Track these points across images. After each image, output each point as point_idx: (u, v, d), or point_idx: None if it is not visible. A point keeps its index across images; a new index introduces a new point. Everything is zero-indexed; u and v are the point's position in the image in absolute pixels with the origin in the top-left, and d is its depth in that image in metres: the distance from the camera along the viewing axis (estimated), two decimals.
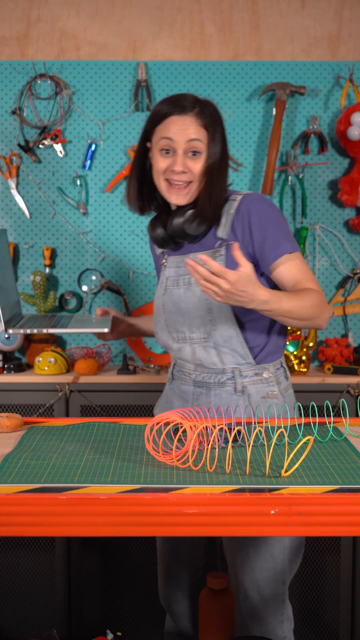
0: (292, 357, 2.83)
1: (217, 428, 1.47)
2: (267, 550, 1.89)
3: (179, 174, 1.87)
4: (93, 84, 2.99)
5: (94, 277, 3.04)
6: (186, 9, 2.99)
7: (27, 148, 2.96)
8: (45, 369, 2.75)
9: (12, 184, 2.98)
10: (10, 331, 1.88)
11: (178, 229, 1.92)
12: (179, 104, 1.87)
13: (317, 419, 1.76)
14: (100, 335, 2.19)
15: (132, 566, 2.72)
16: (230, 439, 1.47)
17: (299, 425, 1.74)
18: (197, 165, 1.87)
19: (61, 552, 2.68)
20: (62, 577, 2.69)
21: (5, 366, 2.80)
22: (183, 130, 1.85)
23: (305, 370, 2.85)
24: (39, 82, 2.97)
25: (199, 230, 1.92)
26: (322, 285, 3.05)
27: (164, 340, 2.03)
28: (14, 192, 2.99)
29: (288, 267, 1.86)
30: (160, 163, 1.89)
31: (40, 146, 2.97)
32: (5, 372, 2.79)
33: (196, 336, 1.95)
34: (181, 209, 1.92)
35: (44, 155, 3.00)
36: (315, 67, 2.99)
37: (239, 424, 1.73)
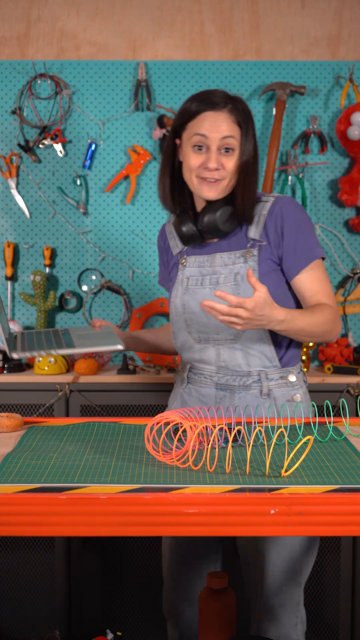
0: None
1: (217, 428, 1.47)
2: (287, 554, 1.89)
3: (212, 171, 1.85)
4: (93, 84, 2.99)
5: (94, 277, 3.03)
6: (186, 9, 2.99)
7: (27, 148, 2.96)
8: (45, 368, 2.75)
9: (12, 183, 2.98)
10: (16, 355, 1.76)
11: (211, 225, 1.89)
12: (211, 100, 1.85)
13: (317, 419, 1.76)
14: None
15: (132, 566, 2.72)
16: (230, 439, 1.47)
17: (299, 425, 1.74)
18: (230, 162, 1.86)
19: (61, 552, 2.68)
20: (62, 577, 2.69)
21: (5, 366, 2.80)
22: (217, 127, 1.84)
23: (305, 370, 2.85)
24: (39, 82, 2.97)
25: (231, 227, 1.91)
26: None
27: (182, 341, 1.99)
28: (14, 191, 2.99)
29: (309, 277, 1.88)
30: (192, 160, 1.87)
31: (40, 146, 2.97)
32: (5, 372, 2.79)
33: (222, 337, 1.92)
34: (213, 205, 1.90)
35: (44, 155, 3.00)
36: (315, 67, 2.99)
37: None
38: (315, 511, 1.28)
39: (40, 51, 2.99)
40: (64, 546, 2.68)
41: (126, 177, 3.00)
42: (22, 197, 3.00)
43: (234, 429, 1.57)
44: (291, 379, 1.94)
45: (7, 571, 2.73)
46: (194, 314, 1.94)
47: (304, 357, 2.85)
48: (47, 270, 3.01)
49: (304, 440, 1.43)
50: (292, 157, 2.99)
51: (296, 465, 1.40)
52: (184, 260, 1.99)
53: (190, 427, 1.44)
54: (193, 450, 1.47)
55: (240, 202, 1.89)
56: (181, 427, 1.53)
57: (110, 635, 2.48)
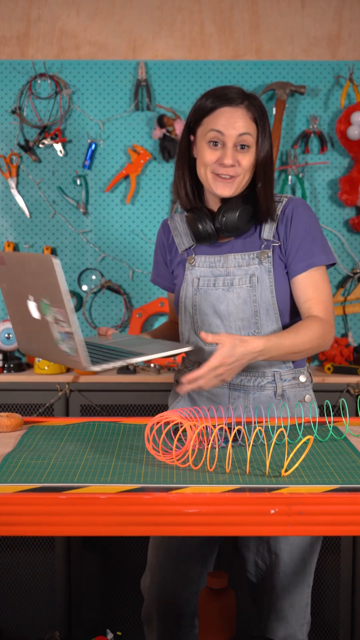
0: None
1: (217, 428, 1.47)
2: (299, 554, 1.89)
3: (227, 168, 1.83)
4: (93, 84, 2.99)
5: (94, 277, 3.03)
6: (186, 9, 2.99)
7: (27, 148, 2.96)
8: (45, 368, 2.75)
9: (12, 183, 2.98)
10: (97, 368, 1.62)
11: (232, 224, 1.86)
12: (227, 96, 1.83)
13: (317, 419, 1.76)
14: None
15: (132, 566, 2.72)
16: (230, 439, 1.47)
17: (299, 425, 1.74)
18: (246, 160, 1.84)
19: (61, 552, 2.68)
20: (62, 577, 2.68)
21: (5, 366, 2.80)
22: (233, 123, 1.81)
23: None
24: (39, 81, 2.97)
25: (249, 226, 1.90)
26: None
27: (193, 342, 1.95)
28: (14, 191, 2.99)
29: (305, 283, 1.87)
30: (208, 155, 1.84)
31: (40, 146, 2.97)
32: (5, 371, 2.79)
33: None
34: (231, 203, 1.87)
35: (44, 155, 3.00)
36: (315, 67, 2.99)
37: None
38: (315, 511, 1.28)
39: (40, 51, 2.99)
40: (64, 546, 2.68)
41: (126, 177, 3.00)
42: (22, 196, 3.00)
43: (233, 428, 1.57)
44: (302, 379, 1.93)
45: (7, 571, 2.73)
46: (205, 315, 1.91)
47: None
48: None
49: (304, 440, 1.43)
50: (292, 156, 2.99)
51: (296, 465, 1.40)
52: (192, 260, 1.96)
53: (190, 426, 1.44)
54: (193, 450, 1.47)
55: (264, 200, 1.88)
56: (181, 426, 1.53)
57: (110, 635, 2.48)
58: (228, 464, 1.42)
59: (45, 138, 2.96)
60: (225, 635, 1.90)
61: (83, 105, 2.99)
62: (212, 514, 1.28)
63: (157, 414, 1.78)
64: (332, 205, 3.03)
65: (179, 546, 1.97)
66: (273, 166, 1.91)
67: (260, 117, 1.85)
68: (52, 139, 2.96)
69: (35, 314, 1.60)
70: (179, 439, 1.56)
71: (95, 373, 2.54)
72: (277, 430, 1.60)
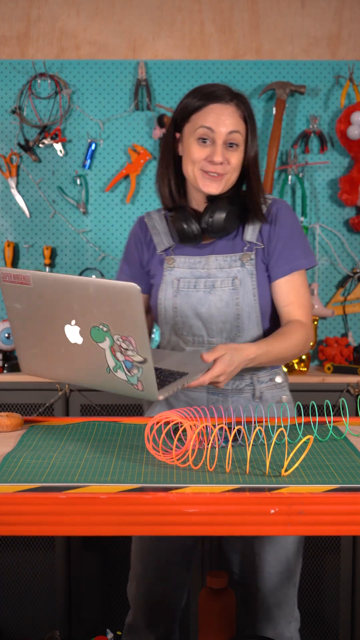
0: None
1: (217, 427, 1.47)
2: (284, 555, 1.89)
3: (216, 165, 1.80)
4: (93, 84, 2.99)
5: (94, 277, 3.03)
6: (186, 9, 2.99)
7: (27, 147, 2.95)
8: None
9: (12, 183, 2.98)
10: (163, 396, 1.55)
11: (218, 224, 1.83)
12: (216, 93, 1.81)
13: (317, 418, 1.76)
14: None
15: None
16: (230, 438, 1.47)
17: (299, 424, 1.74)
18: (234, 158, 1.82)
19: (61, 552, 2.68)
20: (62, 577, 2.68)
21: (5, 365, 2.79)
22: (224, 120, 1.79)
23: (305, 369, 2.85)
24: (39, 81, 2.97)
25: (235, 227, 1.87)
26: (322, 284, 3.05)
27: (173, 343, 1.93)
28: (14, 191, 2.99)
29: (287, 287, 1.86)
30: (196, 152, 1.81)
31: (40, 145, 2.97)
32: (5, 371, 2.79)
33: (216, 341, 1.88)
34: (217, 203, 1.84)
35: (44, 155, 3.00)
36: (315, 67, 2.99)
37: (239, 423, 1.73)
38: (315, 511, 1.28)
39: (40, 51, 2.99)
40: (64, 546, 2.68)
41: (126, 177, 3.00)
42: (22, 196, 3.00)
43: (234, 428, 1.57)
44: (278, 380, 1.93)
45: (7, 571, 2.73)
46: (186, 317, 1.89)
47: (304, 357, 2.84)
48: (47, 269, 3.01)
49: (304, 439, 1.43)
50: (292, 156, 2.99)
51: (296, 465, 1.40)
52: (172, 260, 1.91)
53: (190, 426, 1.44)
54: (193, 450, 1.47)
55: (252, 201, 1.86)
56: (181, 426, 1.53)
57: (110, 635, 2.48)
58: (228, 464, 1.42)
59: (45, 138, 2.96)
60: (225, 635, 1.90)
61: (83, 105, 2.99)
62: (212, 514, 1.28)
63: (156, 414, 1.78)
64: (332, 205, 3.03)
65: (164, 551, 1.95)
66: (259, 165, 1.89)
67: (249, 116, 1.84)
68: (52, 138, 2.96)
69: (75, 338, 1.53)
70: (179, 439, 1.56)
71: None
72: (277, 430, 1.60)
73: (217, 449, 1.44)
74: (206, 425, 1.58)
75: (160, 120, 2.93)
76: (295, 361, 2.83)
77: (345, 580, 2.67)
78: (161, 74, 2.99)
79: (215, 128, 1.79)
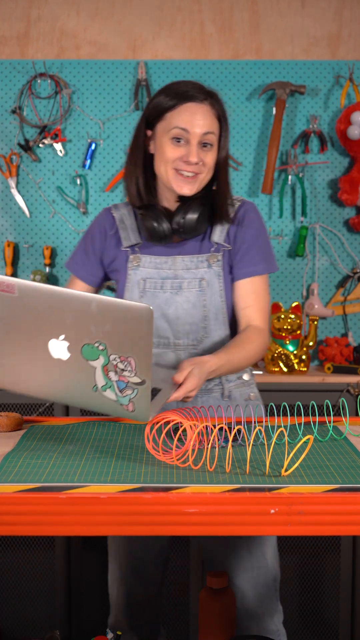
0: (292, 357, 2.83)
1: (217, 427, 1.47)
2: (259, 550, 1.89)
3: (191, 165, 1.78)
4: (93, 84, 2.99)
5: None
6: (186, 9, 2.99)
7: (27, 147, 2.96)
8: None
9: (12, 183, 2.98)
10: (152, 416, 1.53)
11: (190, 225, 1.81)
12: (190, 92, 1.78)
13: (317, 418, 1.76)
14: None
15: None
16: (230, 438, 1.47)
17: (299, 424, 1.74)
18: (209, 157, 1.80)
19: (61, 552, 2.68)
20: (62, 577, 2.68)
21: None
22: (197, 121, 1.77)
23: (305, 369, 2.85)
24: (39, 81, 2.97)
25: (205, 227, 1.85)
26: (322, 284, 3.05)
27: None
28: (14, 191, 2.99)
29: (247, 290, 1.85)
30: (170, 152, 1.78)
31: (40, 145, 2.97)
32: None
33: (183, 342, 1.87)
34: (190, 203, 1.82)
35: (44, 155, 3.00)
36: (315, 67, 2.99)
37: (238, 423, 1.73)
38: (315, 511, 1.28)
39: (40, 51, 2.99)
40: (64, 546, 2.68)
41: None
42: (22, 196, 3.00)
43: (233, 428, 1.57)
44: (245, 377, 1.93)
45: (7, 571, 2.73)
46: (153, 318, 1.89)
47: (304, 357, 2.84)
48: (47, 269, 3.01)
49: (304, 439, 1.43)
50: (292, 156, 2.99)
51: (296, 465, 1.40)
52: (137, 259, 1.88)
53: (190, 426, 1.44)
54: (193, 450, 1.47)
55: (221, 201, 1.84)
56: (181, 426, 1.53)
57: (110, 635, 2.48)
58: (228, 464, 1.42)
59: (45, 138, 2.96)
60: (225, 635, 1.90)
61: (83, 105, 2.99)
62: (212, 514, 1.28)
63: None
64: (332, 205, 3.03)
65: (140, 553, 1.96)
66: (228, 165, 1.88)
67: (223, 115, 1.82)
68: (52, 138, 2.96)
69: (59, 354, 1.46)
70: (179, 439, 1.56)
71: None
72: (277, 430, 1.60)
73: (217, 449, 1.44)
74: (206, 425, 1.59)
75: None
76: (295, 361, 2.83)
77: (345, 580, 2.67)
78: (161, 74, 2.99)
79: (190, 129, 1.77)
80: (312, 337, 2.89)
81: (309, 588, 2.71)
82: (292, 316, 2.85)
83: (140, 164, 1.86)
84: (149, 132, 1.84)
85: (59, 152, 2.97)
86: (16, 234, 3.02)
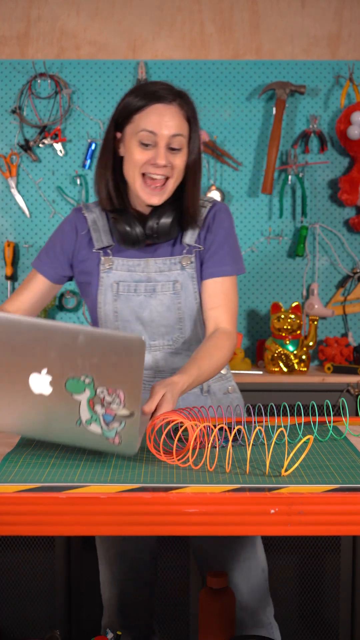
0: (292, 357, 2.83)
1: (217, 427, 1.47)
2: (249, 541, 1.90)
3: (159, 168, 1.75)
4: (93, 84, 2.99)
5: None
6: (186, 9, 2.99)
7: (27, 147, 2.96)
8: None
9: (12, 183, 2.98)
10: (137, 448, 1.46)
11: (164, 229, 1.79)
12: (158, 94, 1.75)
13: (317, 418, 1.76)
14: None
15: None
16: (231, 438, 1.47)
17: (299, 424, 1.74)
18: (178, 160, 1.76)
19: (61, 552, 2.68)
20: (62, 577, 2.68)
21: None
22: (165, 123, 1.73)
23: (305, 369, 2.85)
24: (39, 81, 2.97)
25: (178, 231, 1.83)
26: (322, 284, 3.05)
27: None
28: (14, 191, 2.99)
29: (215, 291, 1.83)
30: (137, 155, 1.75)
31: (40, 145, 2.97)
32: None
33: (159, 344, 1.86)
34: (162, 207, 1.80)
35: (44, 155, 3.00)
36: (315, 67, 2.99)
37: (238, 423, 1.73)
38: (315, 511, 1.28)
39: (40, 51, 2.99)
40: (64, 546, 2.67)
41: None
42: (22, 196, 3.00)
43: (234, 428, 1.57)
44: (223, 371, 1.93)
45: (7, 571, 2.73)
46: (127, 321, 1.85)
47: (303, 357, 2.85)
48: None
49: (304, 439, 1.43)
50: (292, 156, 2.99)
51: (296, 465, 1.40)
52: (110, 262, 1.85)
53: (191, 426, 1.44)
54: (193, 450, 1.47)
55: (191, 205, 1.81)
56: (181, 426, 1.53)
57: (110, 635, 2.48)
58: (228, 464, 1.42)
59: (45, 138, 2.96)
60: (225, 635, 1.90)
61: (83, 105, 2.99)
62: (212, 514, 1.28)
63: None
64: (332, 205, 3.03)
65: (130, 554, 1.96)
66: (201, 167, 1.84)
67: (192, 116, 1.79)
68: (52, 138, 2.96)
69: (41, 389, 1.40)
70: (180, 439, 1.56)
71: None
72: (277, 430, 1.60)
73: (217, 449, 1.44)
74: (207, 425, 1.59)
75: None
76: (295, 361, 2.83)
77: (345, 580, 2.67)
78: (161, 74, 2.98)
79: (157, 131, 1.73)
80: (312, 337, 2.89)
81: (309, 588, 2.71)
82: (292, 316, 2.85)
83: (110, 167, 1.82)
84: (119, 135, 1.81)
85: (59, 152, 2.97)
86: (16, 234, 3.02)
